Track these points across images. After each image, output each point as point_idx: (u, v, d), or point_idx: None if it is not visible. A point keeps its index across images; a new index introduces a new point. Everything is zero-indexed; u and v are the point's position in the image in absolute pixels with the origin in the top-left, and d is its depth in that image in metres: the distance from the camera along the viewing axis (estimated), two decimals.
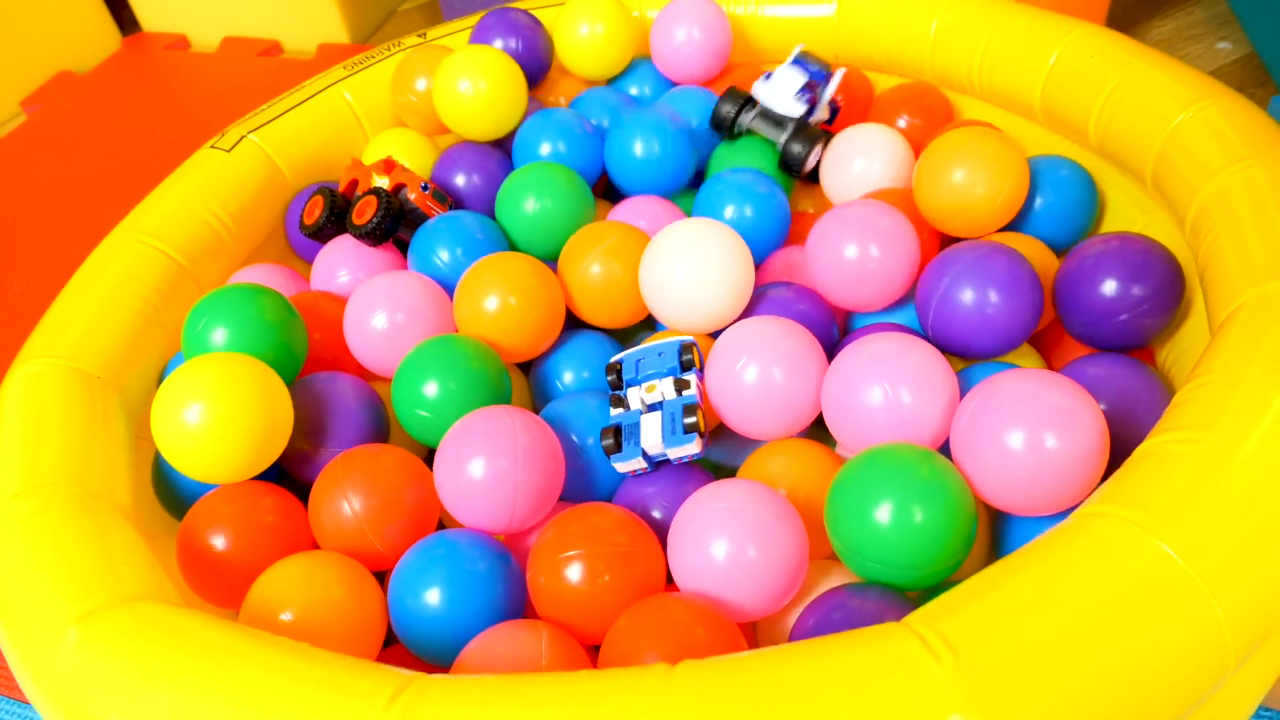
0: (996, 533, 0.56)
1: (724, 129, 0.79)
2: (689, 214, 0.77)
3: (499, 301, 0.63)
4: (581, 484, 0.60)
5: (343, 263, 0.73)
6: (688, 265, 0.62)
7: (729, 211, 0.72)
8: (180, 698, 0.39)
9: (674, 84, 0.89)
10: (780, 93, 0.77)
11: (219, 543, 0.55)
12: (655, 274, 0.64)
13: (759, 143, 0.80)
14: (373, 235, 0.71)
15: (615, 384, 0.60)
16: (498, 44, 0.84)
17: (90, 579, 0.45)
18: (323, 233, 0.74)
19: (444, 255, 0.69)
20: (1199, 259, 0.58)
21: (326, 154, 0.85)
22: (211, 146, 0.79)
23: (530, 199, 0.72)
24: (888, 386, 0.53)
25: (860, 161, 0.77)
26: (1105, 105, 0.70)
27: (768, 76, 0.78)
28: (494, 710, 0.37)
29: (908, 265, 0.64)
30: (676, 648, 0.45)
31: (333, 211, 0.74)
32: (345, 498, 0.54)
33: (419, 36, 0.89)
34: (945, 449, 0.54)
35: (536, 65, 0.86)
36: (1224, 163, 0.59)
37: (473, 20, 0.88)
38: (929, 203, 0.69)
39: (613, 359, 0.62)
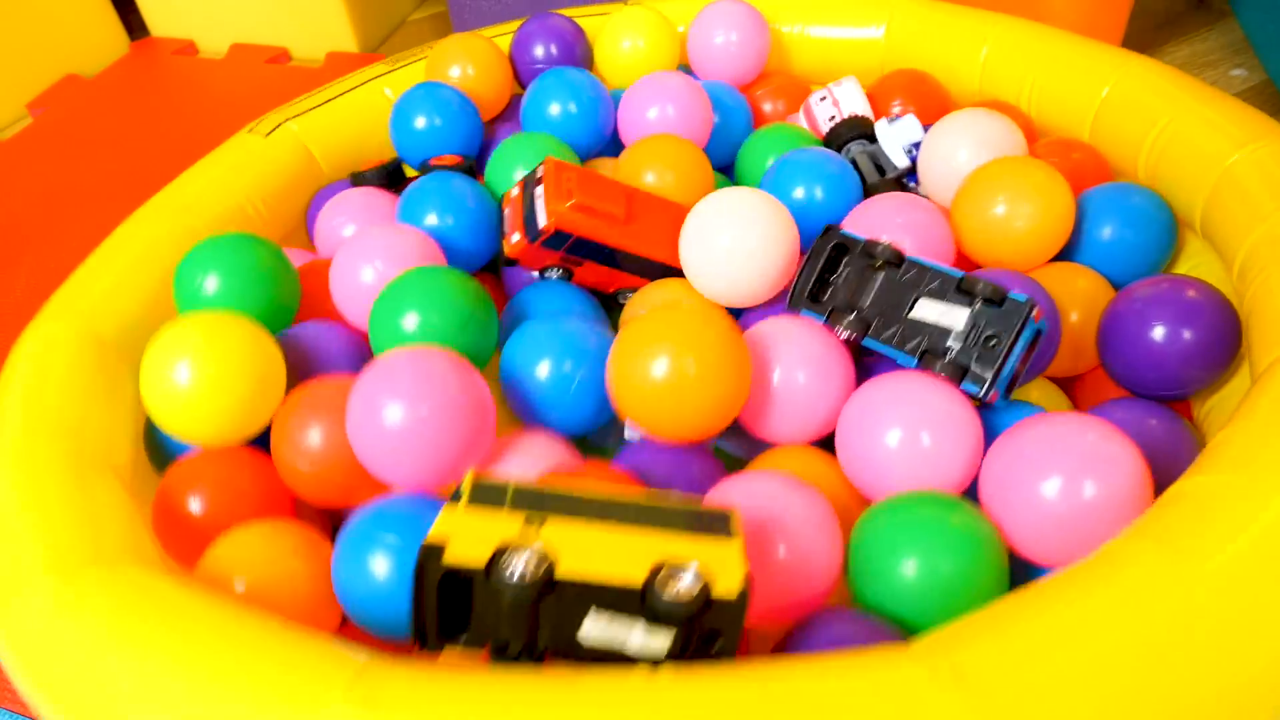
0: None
1: (833, 145, 0.78)
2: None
3: (671, 366, 0.51)
4: (562, 414, 0.57)
5: (349, 215, 0.71)
6: (731, 234, 0.60)
7: (799, 192, 0.68)
8: (142, 666, 0.38)
9: None
10: (895, 140, 0.75)
11: (194, 506, 0.53)
12: (696, 243, 0.62)
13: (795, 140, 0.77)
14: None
15: None
16: (538, 50, 0.84)
17: (69, 537, 0.45)
18: (366, 177, 0.76)
19: (433, 219, 0.66)
20: (1244, 303, 0.56)
21: (362, 146, 0.85)
22: (249, 131, 0.80)
23: (411, 315, 0.56)
24: (907, 428, 0.51)
25: (965, 152, 0.68)
26: (1156, 143, 0.68)
27: (895, 119, 0.76)
28: (460, 699, 0.35)
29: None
30: None
31: (395, 169, 0.76)
32: (306, 427, 0.52)
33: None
34: (967, 494, 0.52)
35: None
36: (1276, 206, 0.56)
37: (513, 26, 0.88)
38: (967, 234, 0.66)
39: None
